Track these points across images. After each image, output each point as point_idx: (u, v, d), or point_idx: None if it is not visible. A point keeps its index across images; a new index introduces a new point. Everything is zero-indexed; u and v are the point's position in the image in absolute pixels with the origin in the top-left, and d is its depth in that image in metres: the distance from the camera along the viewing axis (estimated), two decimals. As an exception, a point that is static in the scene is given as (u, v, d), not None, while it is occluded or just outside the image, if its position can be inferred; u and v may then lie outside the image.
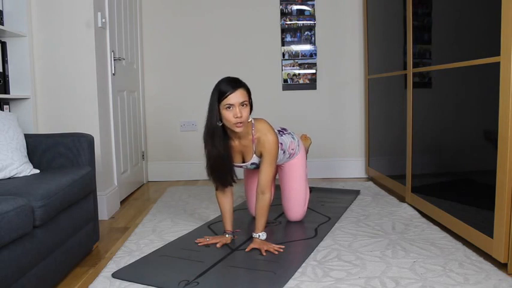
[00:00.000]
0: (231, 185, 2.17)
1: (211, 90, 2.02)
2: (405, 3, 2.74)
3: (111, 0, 3.00)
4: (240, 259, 1.96)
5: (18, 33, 2.49)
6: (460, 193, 2.19)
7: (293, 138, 2.41)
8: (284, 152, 2.32)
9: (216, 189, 2.19)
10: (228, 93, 1.94)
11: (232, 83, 1.97)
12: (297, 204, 2.44)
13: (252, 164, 2.20)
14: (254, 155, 2.15)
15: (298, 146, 2.43)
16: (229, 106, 1.95)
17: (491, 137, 1.86)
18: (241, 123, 1.96)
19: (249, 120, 2.09)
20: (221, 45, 3.84)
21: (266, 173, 2.09)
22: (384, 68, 3.29)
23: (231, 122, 1.96)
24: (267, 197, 2.11)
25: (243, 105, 1.96)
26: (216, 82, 2.03)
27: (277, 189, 2.61)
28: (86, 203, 2.07)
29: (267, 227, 2.40)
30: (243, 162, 2.21)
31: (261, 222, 2.11)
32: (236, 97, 1.94)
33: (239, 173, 2.29)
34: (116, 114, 3.07)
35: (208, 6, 3.81)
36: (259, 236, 2.09)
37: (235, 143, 2.14)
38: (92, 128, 2.66)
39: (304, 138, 2.81)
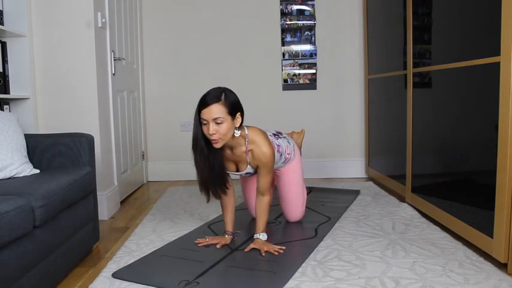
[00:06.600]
0: (224, 194, 2.11)
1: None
2: (405, 3, 2.74)
3: (111, 0, 3.00)
4: (240, 259, 1.96)
5: (18, 33, 2.49)
6: (460, 193, 2.19)
7: (288, 142, 2.37)
8: (281, 155, 2.30)
9: (207, 202, 2.15)
10: (202, 108, 1.88)
11: (209, 97, 1.88)
12: (295, 206, 2.45)
13: (247, 173, 2.19)
14: (249, 166, 2.12)
15: (294, 150, 2.40)
16: (204, 121, 1.90)
17: (491, 137, 1.85)
18: (215, 140, 1.89)
19: (241, 132, 2.01)
20: (221, 45, 3.84)
21: (264, 181, 2.09)
22: (384, 68, 3.29)
23: (208, 137, 1.92)
24: (266, 199, 2.11)
25: (217, 122, 1.87)
26: (212, 84, 2.00)
27: (277, 189, 2.60)
28: (86, 203, 2.07)
29: (267, 227, 2.40)
30: (237, 171, 2.19)
31: (261, 222, 2.11)
32: (208, 113, 1.86)
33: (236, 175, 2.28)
34: (116, 114, 3.07)
35: (208, 7, 3.81)
36: (259, 236, 2.09)
37: (227, 152, 2.10)
38: (92, 128, 2.66)
39: (297, 135, 2.74)
